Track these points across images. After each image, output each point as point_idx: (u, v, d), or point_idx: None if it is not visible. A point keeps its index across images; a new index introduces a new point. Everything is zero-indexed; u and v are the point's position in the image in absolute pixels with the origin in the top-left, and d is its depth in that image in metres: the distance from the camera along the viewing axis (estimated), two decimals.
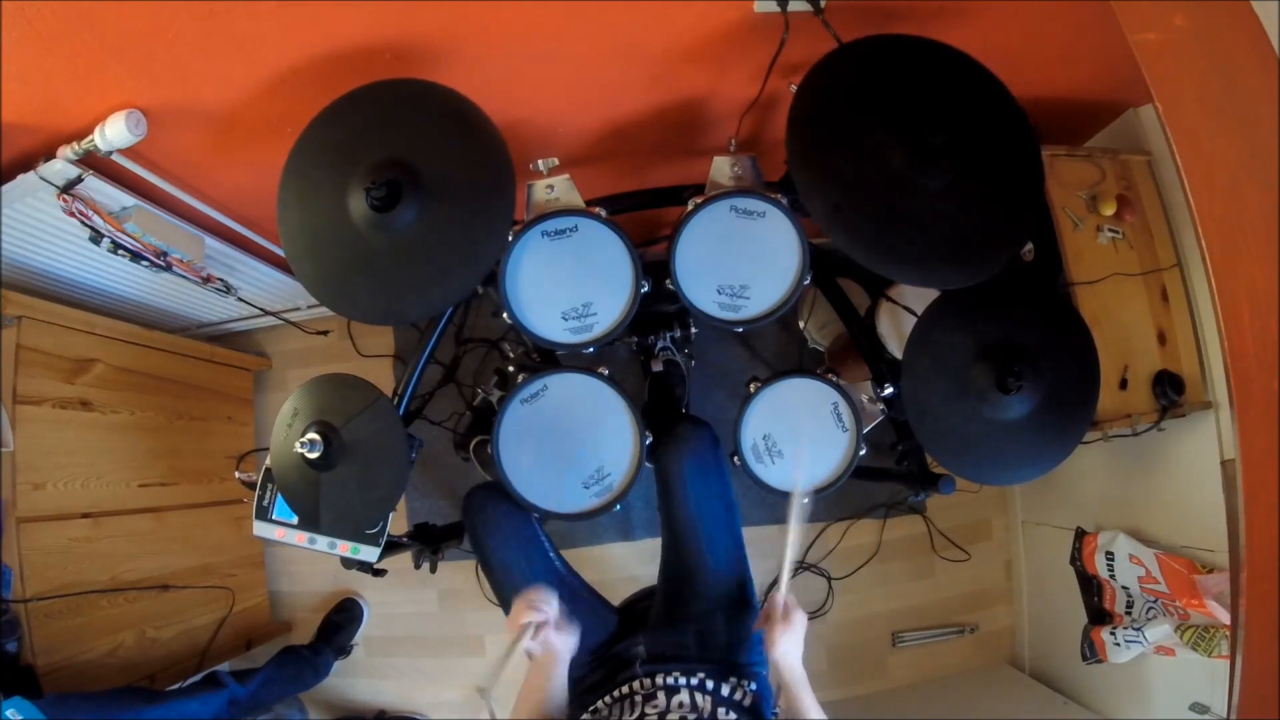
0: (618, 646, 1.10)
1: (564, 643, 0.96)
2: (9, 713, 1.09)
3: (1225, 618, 1.21)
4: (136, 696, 1.37)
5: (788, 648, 0.94)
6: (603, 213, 1.07)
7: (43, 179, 1.07)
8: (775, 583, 0.99)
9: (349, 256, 0.94)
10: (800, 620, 0.97)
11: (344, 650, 1.97)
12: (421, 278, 0.94)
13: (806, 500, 1.11)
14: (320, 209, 0.95)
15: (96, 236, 1.19)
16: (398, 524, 1.65)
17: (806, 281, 1.06)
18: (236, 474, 1.27)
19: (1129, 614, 1.51)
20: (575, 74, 1.15)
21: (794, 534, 1.00)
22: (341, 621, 1.98)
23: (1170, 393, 1.30)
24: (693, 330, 1.62)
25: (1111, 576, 1.53)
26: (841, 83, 0.95)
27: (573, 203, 1.08)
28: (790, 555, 1.00)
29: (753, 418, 1.16)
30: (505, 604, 1.14)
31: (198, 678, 1.60)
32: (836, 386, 1.14)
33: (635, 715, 0.92)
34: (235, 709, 1.56)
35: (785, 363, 2.01)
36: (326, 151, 0.97)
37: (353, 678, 2.00)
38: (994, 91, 0.96)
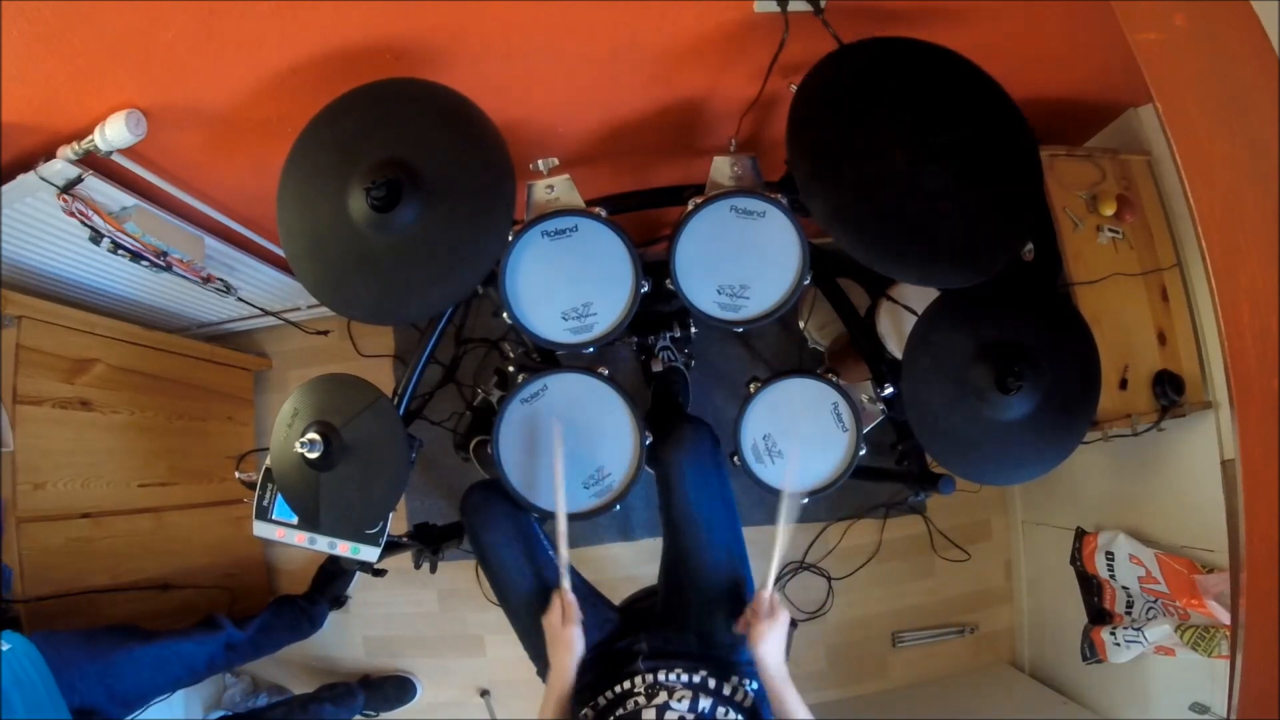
0: (619, 643, 1.11)
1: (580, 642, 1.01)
2: (3, 645, 1.12)
3: (1225, 618, 1.21)
4: (128, 633, 1.34)
5: (770, 645, 0.97)
6: (603, 213, 1.07)
7: (43, 179, 1.07)
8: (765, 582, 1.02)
9: (349, 256, 0.94)
10: (783, 619, 1.00)
11: (339, 600, 1.94)
12: (421, 278, 0.94)
13: (805, 500, 1.12)
14: (320, 209, 0.95)
15: (96, 236, 1.19)
16: (398, 524, 1.66)
17: (806, 281, 1.06)
18: (236, 474, 1.27)
19: (1129, 614, 1.51)
20: (575, 74, 1.15)
21: (783, 534, 1.02)
22: (335, 571, 1.94)
23: (1170, 393, 1.30)
24: (693, 330, 1.62)
25: (1111, 576, 1.53)
26: (842, 83, 0.95)
27: (573, 203, 1.08)
28: (779, 555, 1.02)
29: (752, 418, 1.16)
30: (505, 602, 1.14)
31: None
32: (836, 386, 1.14)
33: (635, 711, 0.92)
34: (231, 653, 1.53)
35: (785, 363, 2.01)
36: (327, 151, 0.97)
37: (353, 678, 2.00)
38: (992, 93, 0.96)
